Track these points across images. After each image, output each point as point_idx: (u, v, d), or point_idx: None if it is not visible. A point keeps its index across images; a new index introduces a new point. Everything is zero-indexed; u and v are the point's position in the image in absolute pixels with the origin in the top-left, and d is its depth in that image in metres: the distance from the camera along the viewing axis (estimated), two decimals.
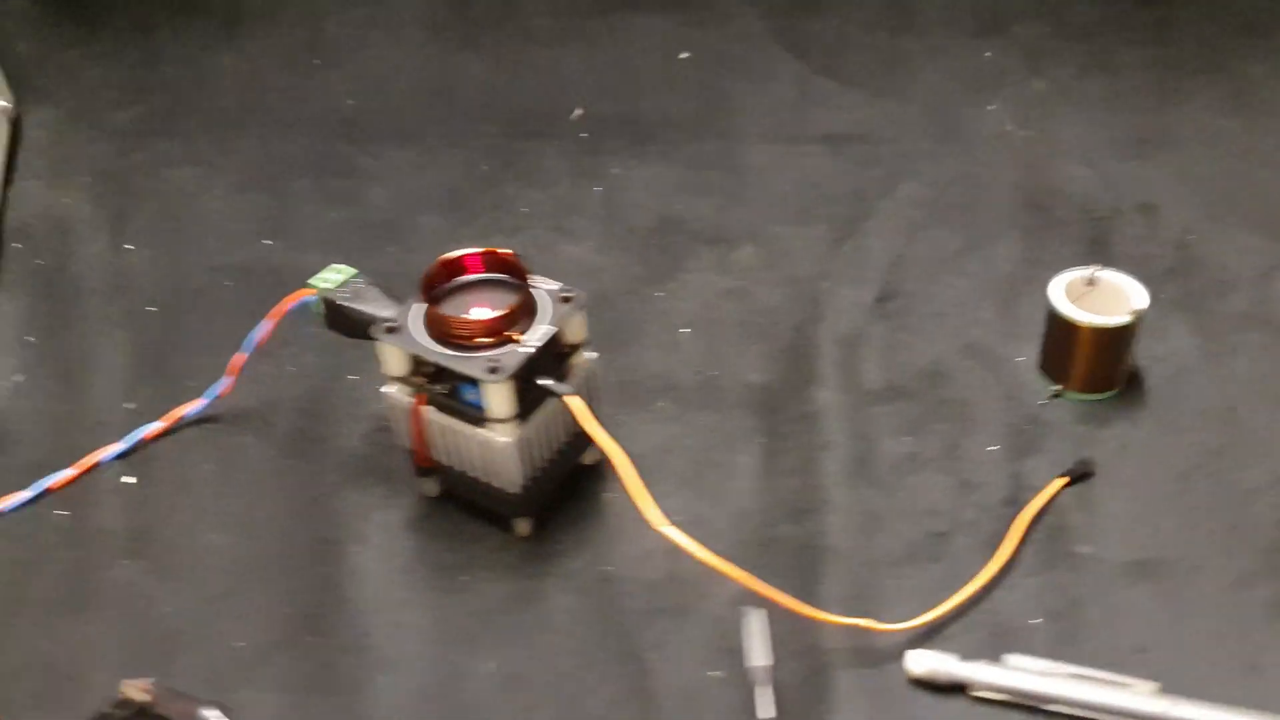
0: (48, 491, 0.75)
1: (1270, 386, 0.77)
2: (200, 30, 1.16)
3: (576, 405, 0.65)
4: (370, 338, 0.69)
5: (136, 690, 0.62)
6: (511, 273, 0.68)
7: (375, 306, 0.69)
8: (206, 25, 1.16)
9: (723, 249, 0.92)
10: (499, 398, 0.64)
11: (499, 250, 0.68)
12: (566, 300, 0.67)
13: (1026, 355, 0.80)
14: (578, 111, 1.06)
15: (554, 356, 0.67)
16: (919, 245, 0.90)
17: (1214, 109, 1.00)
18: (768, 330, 0.84)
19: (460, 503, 0.73)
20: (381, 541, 0.71)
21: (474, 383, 0.64)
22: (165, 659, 0.66)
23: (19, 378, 0.84)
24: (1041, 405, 0.77)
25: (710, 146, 1.02)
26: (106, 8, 1.18)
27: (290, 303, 0.74)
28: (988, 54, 1.05)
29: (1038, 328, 0.81)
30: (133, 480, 0.76)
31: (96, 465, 0.77)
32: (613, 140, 1.03)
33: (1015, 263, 0.88)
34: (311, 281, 0.71)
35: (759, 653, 0.58)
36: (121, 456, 0.77)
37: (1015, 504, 0.71)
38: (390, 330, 0.65)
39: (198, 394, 0.80)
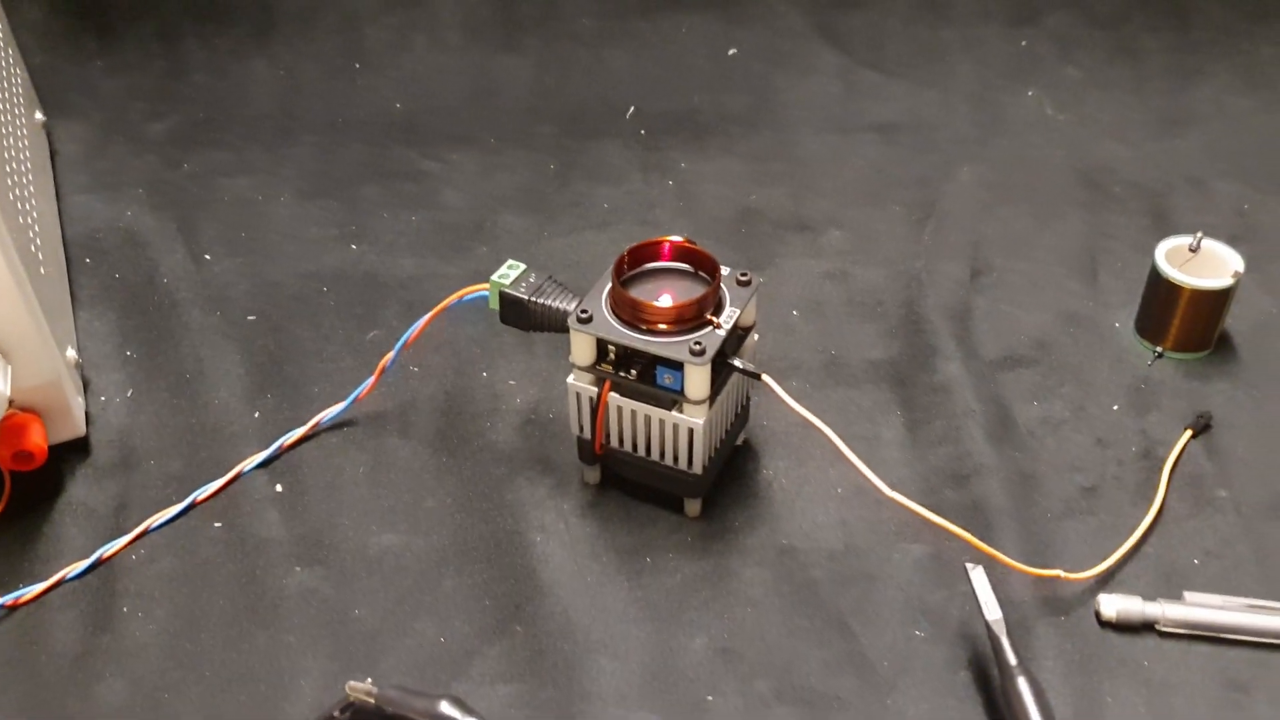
0: (196, 504, 0.74)
1: None
2: (229, 38, 1.14)
3: (773, 384, 0.67)
4: (553, 329, 0.70)
5: (361, 692, 0.62)
6: (696, 261, 0.69)
7: (557, 298, 0.70)
8: (235, 33, 1.14)
9: (809, 235, 0.95)
10: (698, 379, 0.66)
11: (686, 240, 0.69)
12: (743, 284, 0.69)
13: (1121, 322, 0.86)
14: (630, 110, 1.08)
15: (736, 339, 0.69)
16: (994, 223, 0.95)
17: (1232, 90, 1.08)
18: (875, 309, 0.88)
19: (625, 489, 0.74)
20: (561, 530, 0.72)
21: (674, 366, 0.66)
22: (369, 661, 0.66)
23: (129, 393, 0.81)
24: (1149, 365, 0.82)
25: (768, 139, 1.06)
26: (126, 17, 1.15)
27: (453, 300, 0.74)
28: (1023, 43, 1.11)
29: (1125, 295, 0.87)
30: (280, 489, 0.75)
31: (240, 475, 0.75)
32: (672, 136, 1.06)
33: (1087, 236, 0.94)
34: (493, 278, 0.71)
35: (993, 605, 0.61)
36: (264, 465, 0.76)
37: (1150, 457, 0.76)
38: (584, 319, 0.66)
39: (322, 400, 0.80)
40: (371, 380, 0.78)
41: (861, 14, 1.13)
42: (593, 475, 0.75)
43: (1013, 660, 0.60)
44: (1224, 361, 0.83)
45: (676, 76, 1.11)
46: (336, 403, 0.78)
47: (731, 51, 1.12)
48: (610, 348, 0.67)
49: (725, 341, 0.67)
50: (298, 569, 0.70)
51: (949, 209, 0.97)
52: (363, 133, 1.07)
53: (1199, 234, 0.81)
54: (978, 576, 0.63)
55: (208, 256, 0.93)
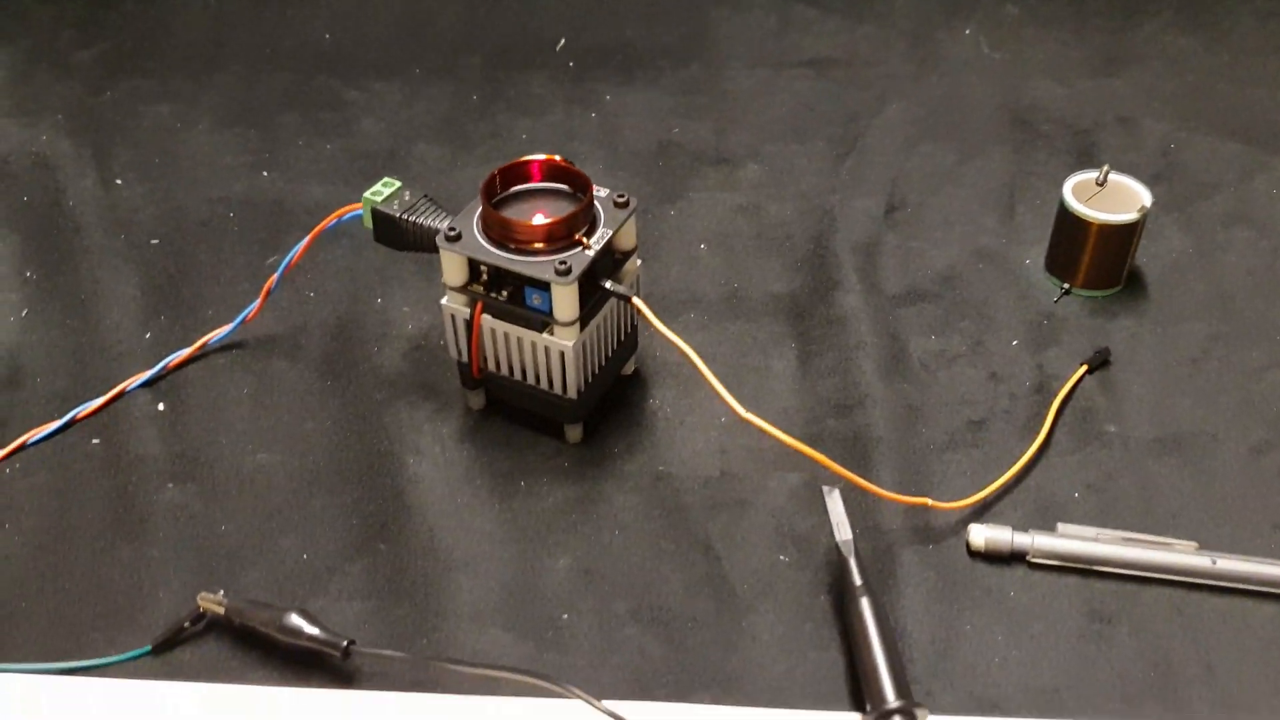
0: (76, 421, 0.74)
1: (1260, 279, 0.83)
2: None
3: (642, 306, 0.66)
4: (425, 249, 0.69)
5: (212, 602, 0.62)
6: (570, 180, 0.68)
7: (430, 217, 0.69)
8: None
9: (727, 168, 0.93)
10: (566, 300, 0.65)
11: (558, 158, 0.68)
12: (620, 205, 0.68)
13: (1032, 259, 0.84)
14: (561, 42, 1.06)
15: (611, 262, 0.68)
16: (916, 160, 0.94)
17: (1174, 28, 1.06)
18: (783, 243, 0.86)
19: (508, 414, 0.73)
20: (437, 452, 0.71)
21: (541, 286, 0.65)
22: (230, 576, 0.65)
23: (24, 313, 0.81)
24: (1055, 302, 0.81)
25: (698, 73, 1.04)
26: None
27: (330, 221, 0.73)
28: None
29: (1040, 232, 0.85)
30: (163, 407, 0.75)
31: (123, 393, 0.75)
32: (600, 69, 1.04)
33: (1009, 174, 0.92)
34: (365, 196, 0.70)
35: (844, 526, 0.61)
36: (148, 384, 0.76)
37: (1043, 391, 0.75)
38: (453, 238, 0.65)
39: (216, 323, 0.79)
40: (258, 303, 0.77)
41: None
42: (476, 401, 0.74)
43: (857, 581, 0.59)
44: (1132, 299, 0.81)
45: (611, 10, 1.10)
46: (227, 325, 0.78)
47: None
48: (483, 268, 0.66)
49: (596, 263, 0.65)
50: (170, 485, 0.70)
51: (872, 145, 0.95)
52: (288, 62, 1.05)
53: (1105, 167, 0.79)
54: (833, 499, 0.62)
55: (119, 182, 0.92)
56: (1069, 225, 0.80)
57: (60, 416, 0.73)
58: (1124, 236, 0.79)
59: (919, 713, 0.54)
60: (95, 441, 0.73)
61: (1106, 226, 0.78)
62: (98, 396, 0.74)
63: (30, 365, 0.77)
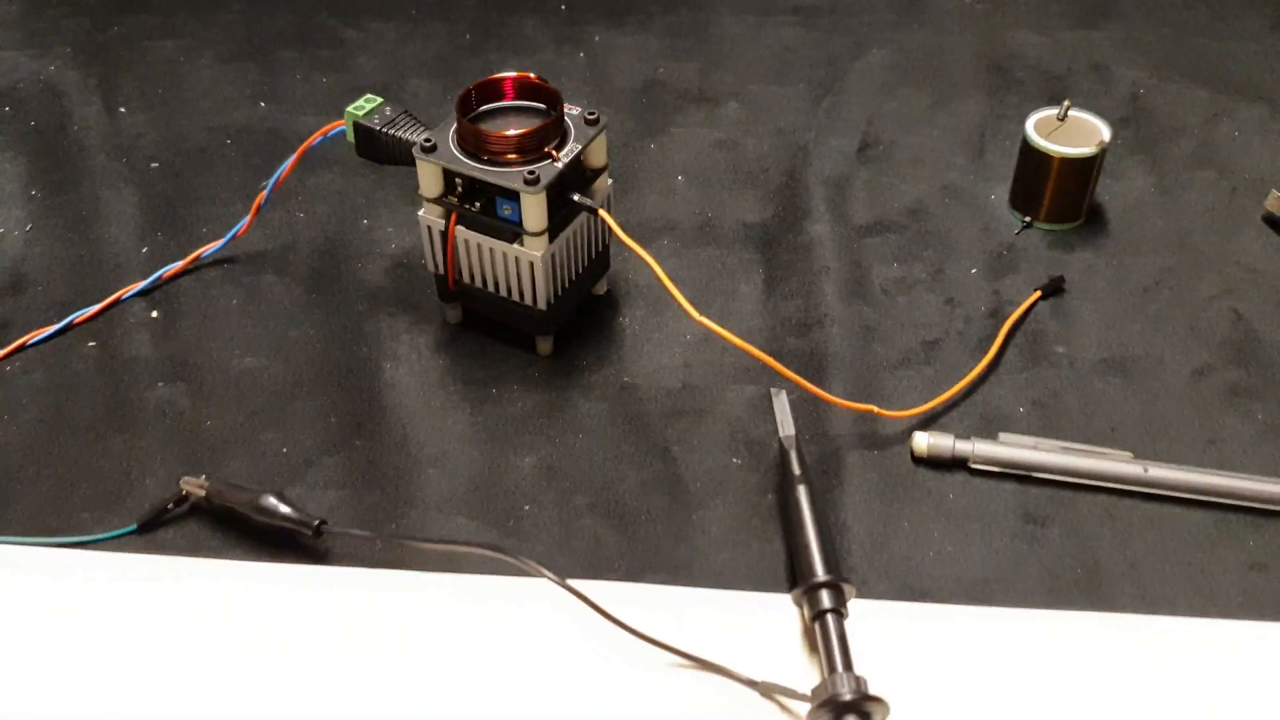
0: (74, 325, 0.77)
1: (1217, 216, 0.85)
2: None
3: (607, 217, 0.69)
4: (403, 162, 0.73)
5: (194, 485, 0.65)
6: (542, 97, 0.71)
7: (408, 130, 0.72)
8: None
9: (709, 107, 0.96)
10: (534, 210, 0.68)
11: (531, 75, 0.71)
12: (591, 122, 0.71)
13: (998, 195, 0.87)
14: None
15: (581, 177, 0.72)
16: (893, 102, 0.96)
17: None
18: (759, 176, 0.89)
19: (484, 328, 0.77)
20: (414, 360, 0.75)
21: (511, 196, 0.68)
22: (214, 466, 0.69)
23: (29, 228, 0.85)
24: (1016, 235, 0.83)
25: (686, 18, 1.07)
26: None
27: (317, 137, 0.76)
28: None
29: (1007, 171, 0.87)
30: (156, 315, 0.78)
31: (119, 301, 0.79)
32: (590, 12, 1.07)
33: (982, 116, 0.95)
34: (348, 110, 0.74)
35: (788, 423, 0.64)
36: (143, 294, 0.80)
37: (997, 316, 0.78)
38: (428, 149, 0.69)
39: (210, 240, 0.83)
40: (248, 218, 0.81)
41: None
42: (453, 315, 0.77)
43: (796, 471, 0.62)
44: (1092, 234, 0.84)
45: None
46: (220, 240, 0.82)
47: None
48: (458, 180, 0.70)
49: (564, 175, 0.69)
50: (160, 385, 0.74)
51: (850, 88, 0.98)
52: (290, 2, 1.09)
53: (1066, 103, 0.82)
54: (779, 399, 0.65)
55: (122, 110, 0.96)
56: (1031, 159, 0.82)
57: (59, 321, 0.77)
58: (1083, 170, 0.82)
59: (846, 588, 0.57)
60: (91, 344, 0.77)
61: (1066, 160, 0.81)
62: (95, 304, 0.78)
63: (33, 275, 0.81)
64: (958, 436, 0.69)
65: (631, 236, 0.70)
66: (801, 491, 0.60)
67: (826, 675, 0.53)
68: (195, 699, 0.57)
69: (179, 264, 0.81)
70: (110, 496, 0.68)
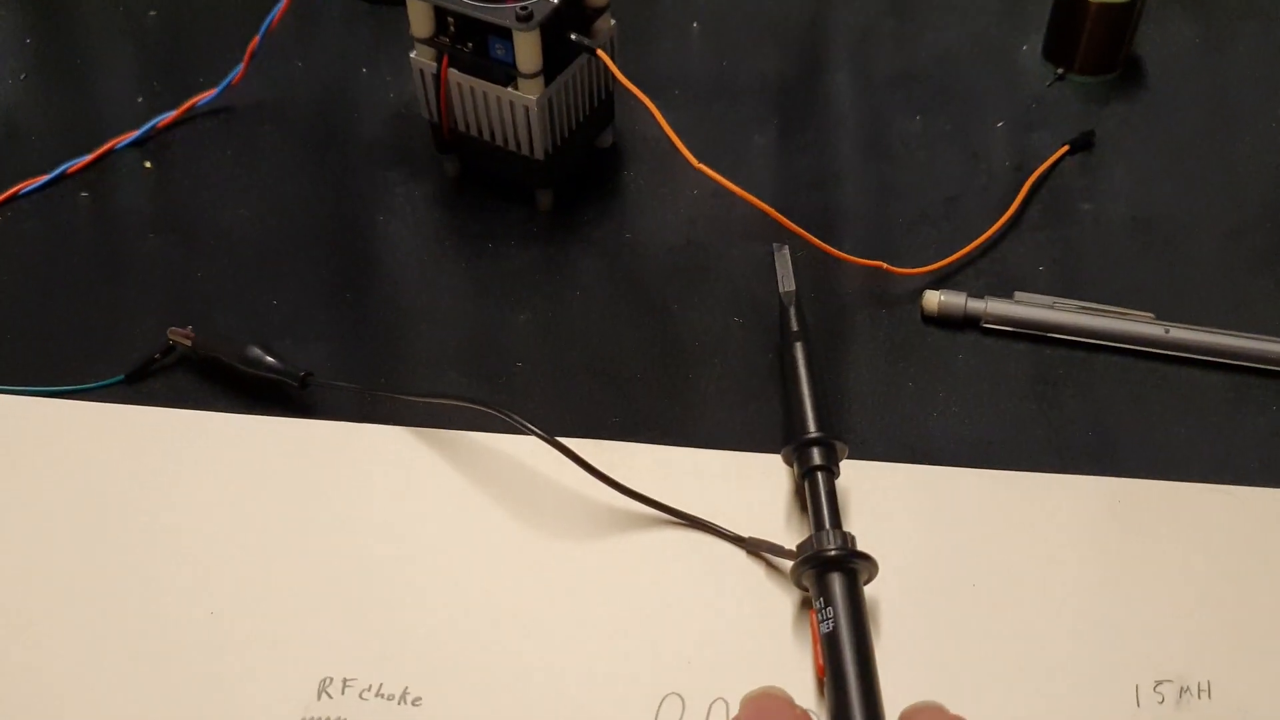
0: (66, 175, 0.76)
1: (1262, 71, 0.80)
2: None
3: (605, 57, 0.66)
4: (395, 2, 0.69)
5: (181, 336, 0.64)
6: None
7: None
8: None
9: None
10: (528, 48, 0.64)
11: None
12: None
13: (1030, 44, 0.82)
14: None
15: (581, 15, 0.68)
16: None
17: None
18: (779, 25, 0.85)
19: (483, 183, 0.74)
20: (410, 213, 0.73)
21: (503, 34, 0.64)
22: (203, 318, 0.67)
23: (22, 76, 0.83)
24: (1048, 86, 0.79)
25: None
26: None
27: None
28: None
29: (1042, 20, 0.82)
30: (149, 165, 0.76)
31: (112, 150, 0.77)
32: None
33: None
34: None
35: (789, 279, 0.61)
36: (137, 144, 0.78)
37: (1023, 171, 0.73)
38: None
39: (205, 89, 0.80)
40: (241, 66, 0.78)
41: None
42: (451, 168, 0.75)
43: (794, 327, 0.59)
44: (1127, 86, 0.79)
45: None
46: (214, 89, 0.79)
47: None
48: (450, 19, 0.66)
49: (560, 11, 0.65)
50: (152, 236, 0.72)
51: None
52: None
53: None
54: (781, 255, 0.63)
55: None
56: (1066, 5, 0.77)
57: (52, 171, 0.76)
58: (1122, 17, 0.76)
59: (838, 447, 0.55)
60: (84, 194, 0.75)
61: (1103, 5, 0.76)
62: (88, 154, 0.76)
63: (25, 124, 0.80)
64: (971, 295, 0.65)
65: (640, 87, 0.66)
66: (798, 348, 0.58)
67: (814, 532, 0.52)
68: (176, 549, 0.57)
69: (173, 113, 0.78)
70: (97, 345, 0.67)
